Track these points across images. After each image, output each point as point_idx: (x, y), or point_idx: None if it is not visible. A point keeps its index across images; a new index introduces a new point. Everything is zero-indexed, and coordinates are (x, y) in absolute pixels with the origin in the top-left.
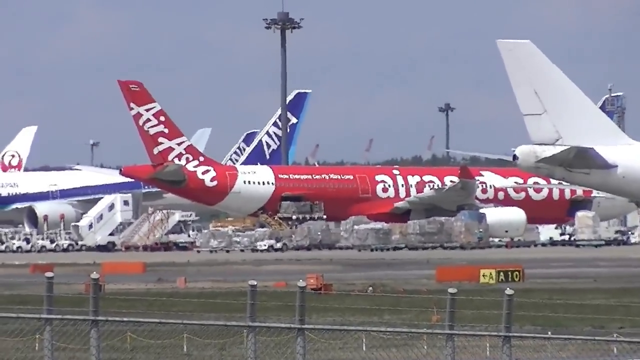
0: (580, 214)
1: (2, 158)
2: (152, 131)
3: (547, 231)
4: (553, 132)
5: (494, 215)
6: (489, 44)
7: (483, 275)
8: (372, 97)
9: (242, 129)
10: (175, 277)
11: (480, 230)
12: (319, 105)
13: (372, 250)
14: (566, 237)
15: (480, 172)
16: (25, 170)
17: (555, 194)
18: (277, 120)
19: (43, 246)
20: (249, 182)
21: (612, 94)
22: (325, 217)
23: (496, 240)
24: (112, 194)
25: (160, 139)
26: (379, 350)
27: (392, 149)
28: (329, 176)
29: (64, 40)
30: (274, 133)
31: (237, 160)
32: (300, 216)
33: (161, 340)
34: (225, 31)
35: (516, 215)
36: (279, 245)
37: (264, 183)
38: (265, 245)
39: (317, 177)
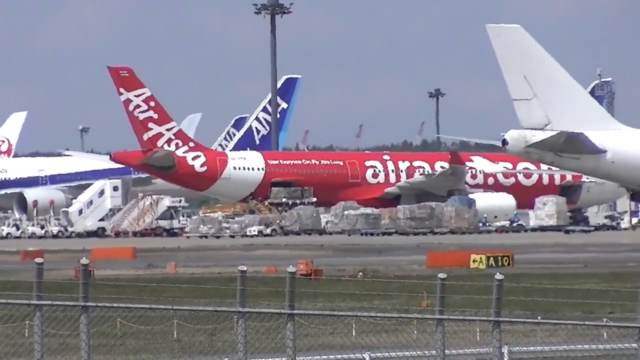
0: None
1: None
2: (141, 117)
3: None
4: (543, 117)
5: (484, 200)
6: (479, 29)
7: (473, 261)
8: (362, 82)
9: (232, 114)
10: (165, 263)
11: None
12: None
13: (362, 235)
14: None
15: (470, 157)
16: (15, 156)
17: (545, 179)
18: (267, 106)
19: (33, 232)
20: (239, 167)
21: (602, 79)
22: (315, 202)
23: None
24: (101, 180)
25: (150, 125)
26: (369, 335)
27: (382, 135)
28: (319, 162)
29: (54, 27)
30: (264, 119)
31: (226, 146)
32: (291, 202)
33: (151, 326)
34: (215, 17)
35: (506, 200)
36: (268, 230)
37: (253, 169)
38: (255, 231)
39: (307, 162)
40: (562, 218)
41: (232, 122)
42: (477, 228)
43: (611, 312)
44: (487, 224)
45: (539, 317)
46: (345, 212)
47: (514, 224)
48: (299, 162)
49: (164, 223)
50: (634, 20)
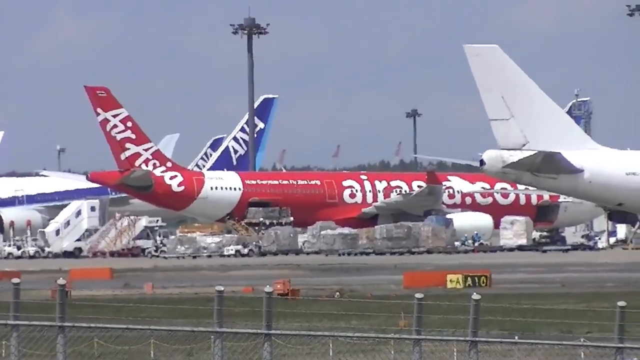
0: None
1: None
2: (119, 137)
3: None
4: (520, 137)
5: (461, 220)
6: (457, 48)
7: (450, 281)
8: (339, 102)
9: (209, 134)
10: (142, 283)
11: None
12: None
13: (339, 255)
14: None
15: (448, 177)
16: None
17: (522, 199)
18: (245, 126)
19: (9, 252)
20: (216, 187)
21: (579, 99)
22: (292, 222)
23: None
24: (79, 200)
25: (127, 145)
26: (347, 355)
27: (359, 155)
28: (297, 182)
29: (31, 45)
30: (241, 138)
31: (204, 166)
32: (268, 221)
33: (128, 346)
34: (192, 37)
35: (483, 220)
36: (245, 250)
37: (231, 189)
38: (232, 251)
39: (285, 182)
40: (530, 238)
41: (210, 142)
42: (454, 248)
43: (589, 331)
44: (466, 243)
45: (516, 337)
46: (323, 232)
47: (476, 244)
48: (276, 182)
49: (142, 243)
50: (611, 40)
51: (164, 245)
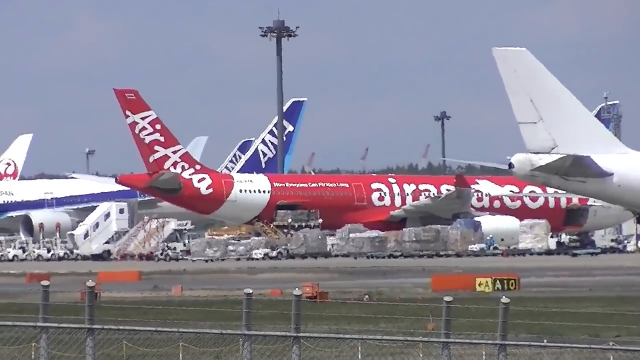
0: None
1: None
2: (147, 139)
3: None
4: (549, 140)
5: (490, 223)
6: (485, 52)
7: (479, 284)
8: (367, 105)
9: (238, 137)
10: (171, 286)
11: (491, 237)
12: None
13: (368, 258)
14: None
15: (476, 180)
16: (21, 178)
17: (551, 203)
18: (273, 129)
19: (39, 255)
20: (245, 190)
21: (608, 102)
22: (320, 225)
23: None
24: (107, 203)
25: (156, 147)
26: (375, 358)
27: (388, 157)
28: (325, 184)
29: (60, 48)
30: (270, 141)
31: (232, 169)
32: (296, 224)
33: (157, 348)
34: (221, 39)
35: (511, 223)
36: (274, 253)
37: (259, 191)
38: (260, 254)
39: (313, 185)
40: (547, 242)
41: (238, 145)
42: (482, 251)
43: (618, 335)
44: (493, 246)
45: (545, 341)
46: (351, 235)
47: (490, 248)
48: (305, 184)
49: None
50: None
51: (175, 249)
